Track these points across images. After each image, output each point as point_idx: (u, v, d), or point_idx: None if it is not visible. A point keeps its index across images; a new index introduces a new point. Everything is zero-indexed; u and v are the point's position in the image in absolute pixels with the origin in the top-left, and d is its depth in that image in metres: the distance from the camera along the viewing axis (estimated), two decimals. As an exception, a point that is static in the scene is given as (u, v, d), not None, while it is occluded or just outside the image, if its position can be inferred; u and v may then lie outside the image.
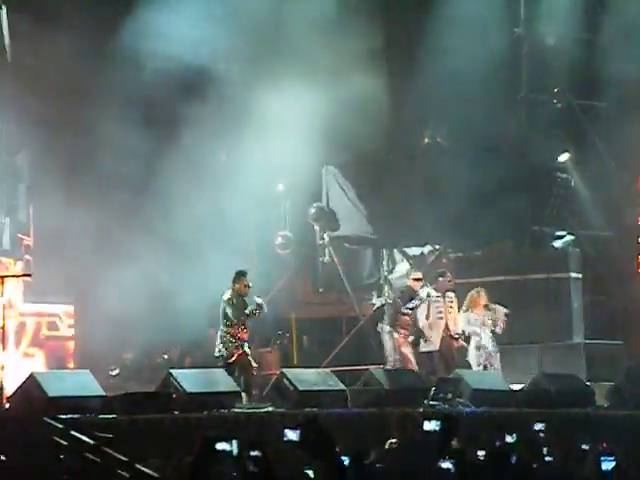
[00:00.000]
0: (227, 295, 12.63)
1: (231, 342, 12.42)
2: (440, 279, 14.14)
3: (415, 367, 13.71)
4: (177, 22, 14.84)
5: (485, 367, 13.85)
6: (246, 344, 12.57)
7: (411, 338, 13.94)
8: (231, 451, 5.71)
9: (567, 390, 12.94)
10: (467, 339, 14.06)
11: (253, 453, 5.76)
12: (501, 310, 13.96)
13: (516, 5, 16.75)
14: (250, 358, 12.53)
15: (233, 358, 12.34)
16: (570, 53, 16.58)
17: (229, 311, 12.52)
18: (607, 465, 8.03)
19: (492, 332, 13.90)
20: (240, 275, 12.66)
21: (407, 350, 13.90)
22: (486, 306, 13.93)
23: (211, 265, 14.79)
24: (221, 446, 5.68)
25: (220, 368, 12.18)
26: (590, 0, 16.70)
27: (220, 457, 5.68)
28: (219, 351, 12.49)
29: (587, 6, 16.69)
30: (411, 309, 13.93)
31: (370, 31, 16.09)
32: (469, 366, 13.83)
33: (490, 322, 13.89)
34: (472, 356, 13.90)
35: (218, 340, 12.54)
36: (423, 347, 13.92)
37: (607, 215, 16.81)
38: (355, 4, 16.31)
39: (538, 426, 10.04)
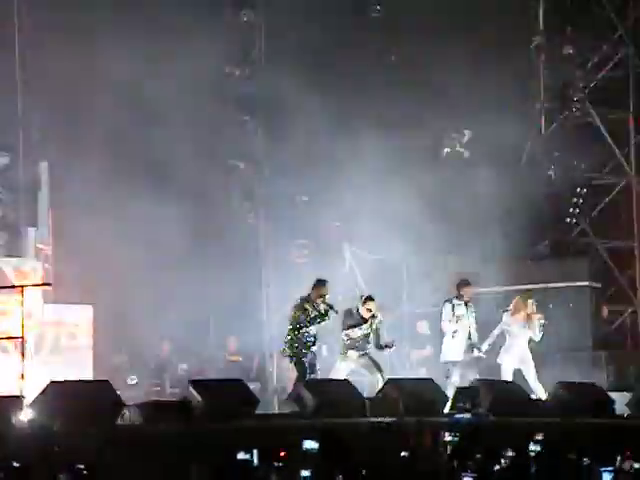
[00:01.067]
0: (299, 300, 12.81)
1: (296, 345, 12.62)
2: (466, 288, 14.07)
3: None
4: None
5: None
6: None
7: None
8: (252, 461, 5.72)
9: (587, 399, 12.88)
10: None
11: (276, 464, 5.76)
12: (538, 318, 13.91)
13: (534, 14, 16.75)
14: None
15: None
16: (589, 63, 16.58)
17: (297, 314, 12.72)
18: (607, 477, 7.98)
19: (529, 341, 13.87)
20: (319, 283, 12.78)
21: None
22: (528, 315, 13.89)
23: (227, 273, 14.85)
24: (242, 456, 5.69)
25: (239, 379, 12.25)
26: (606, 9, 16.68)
27: (241, 467, 5.69)
28: (284, 350, 12.82)
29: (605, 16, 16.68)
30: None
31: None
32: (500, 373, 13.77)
33: (529, 330, 13.84)
34: (505, 359, 13.83)
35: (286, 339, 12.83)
36: (444, 357, 13.90)
37: (625, 225, 16.76)
38: None
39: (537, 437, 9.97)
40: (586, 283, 16.33)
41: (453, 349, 13.81)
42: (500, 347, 13.86)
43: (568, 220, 16.59)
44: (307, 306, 12.78)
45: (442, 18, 16.33)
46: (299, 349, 12.77)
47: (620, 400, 13.30)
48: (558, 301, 16.05)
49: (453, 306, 13.87)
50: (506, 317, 13.91)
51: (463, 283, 14.14)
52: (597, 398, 13.12)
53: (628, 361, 15.72)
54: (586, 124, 16.82)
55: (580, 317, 16.04)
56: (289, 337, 12.81)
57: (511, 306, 13.96)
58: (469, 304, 13.97)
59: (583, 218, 16.64)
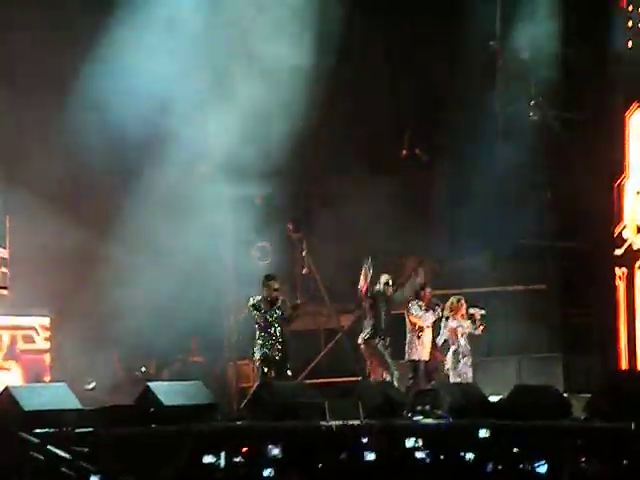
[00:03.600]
0: (251, 301, 12.72)
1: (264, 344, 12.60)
2: (427, 290, 14.20)
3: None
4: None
5: (459, 376, 13.92)
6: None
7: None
8: (219, 464, 5.68)
9: (544, 402, 12.97)
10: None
11: (236, 459, 5.73)
12: (479, 312, 14.07)
13: (491, 19, 16.86)
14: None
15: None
16: (545, 66, 16.72)
17: (256, 316, 12.66)
18: (541, 469, 8.08)
19: (469, 337, 14.02)
20: (267, 279, 12.73)
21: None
22: (464, 316, 14.04)
23: (187, 275, 14.78)
24: (208, 459, 5.66)
25: (198, 380, 12.20)
26: (564, 14, 16.83)
27: (207, 470, 5.66)
28: (253, 353, 12.79)
29: (560, 21, 16.83)
30: None
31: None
32: (447, 376, 13.90)
33: (468, 330, 14.02)
34: (450, 363, 13.98)
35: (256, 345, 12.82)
36: (411, 355, 13.99)
37: (584, 227, 16.91)
38: None
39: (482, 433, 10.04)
40: (544, 286, 16.46)
41: (419, 348, 13.89)
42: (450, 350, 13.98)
43: (527, 223, 16.72)
44: (263, 305, 12.79)
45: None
46: (262, 350, 12.75)
47: (577, 403, 13.41)
48: (516, 304, 16.16)
49: (420, 306, 14.01)
50: (445, 323, 14.04)
51: (421, 286, 14.30)
52: (554, 401, 13.22)
53: (585, 364, 15.85)
54: (543, 126, 16.95)
55: (537, 320, 16.15)
56: (257, 339, 12.80)
57: (445, 311, 14.08)
58: (430, 305, 14.07)
59: (543, 220, 16.77)
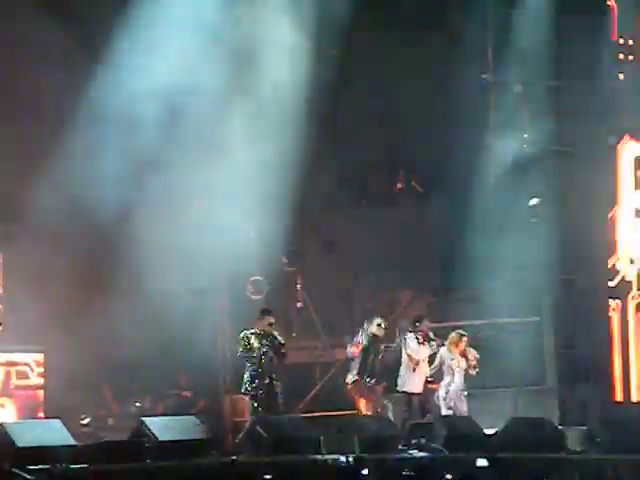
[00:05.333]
0: (242, 335, 12.69)
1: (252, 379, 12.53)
2: (425, 322, 14.23)
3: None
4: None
5: (450, 408, 13.93)
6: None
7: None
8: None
9: (539, 434, 12.95)
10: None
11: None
12: (474, 355, 14.11)
13: (484, 51, 16.97)
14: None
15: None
16: (537, 99, 16.82)
17: (245, 350, 12.61)
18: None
19: (464, 374, 14.03)
20: (262, 313, 12.70)
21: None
22: (464, 352, 14.06)
23: (180, 309, 14.77)
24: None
25: (191, 415, 12.16)
26: (555, 47, 16.96)
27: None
28: (244, 388, 12.68)
29: (553, 54, 16.95)
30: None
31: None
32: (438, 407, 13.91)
33: (464, 365, 14.03)
34: (442, 392, 13.99)
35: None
36: (403, 387, 13.99)
37: (577, 259, 16.94)
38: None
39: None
40: (538, 318, 16.46)
41: (413, 381, 13.88)
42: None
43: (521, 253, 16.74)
44: (253, 340, 12.69)
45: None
46: (253, 384, 12.68)
47: (572, 435, 13.39)
48: (510, 336, 16.16)
49: (417, 339, 14.03)
50: (444, 351, 14.07)
51: (422, 318, 14.34)
52: (549, 433, 13.20)
53: (580, 396, 15.83)
54: (536, 158, 17.02)
55: (532, 352, 16.13)
56: (246, 373, 12.73)
57: (446, 344, 14.10)
58: (427, 339, 14.09)
59: (536, 250, 16.81)
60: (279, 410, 12.70)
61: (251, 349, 12.68)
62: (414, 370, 13.96)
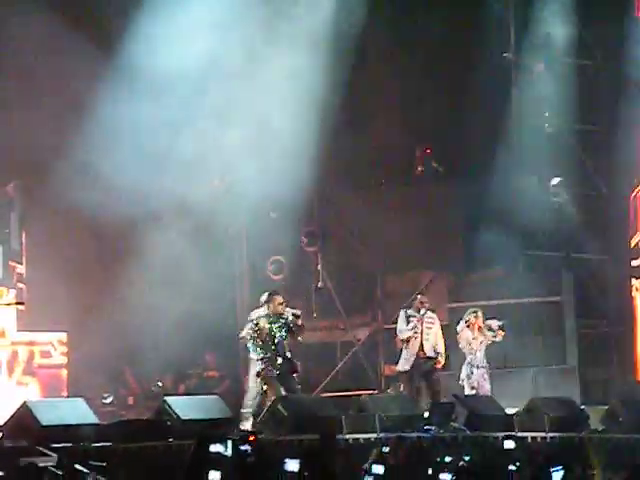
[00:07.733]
0: (254, 315, 12.59)
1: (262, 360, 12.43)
2: (418, 297, 14.18)
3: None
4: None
5: (473, 387, 13.86)
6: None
7: None
8: (225, 453, 5.66)
9: (562, 414, 12.93)
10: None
11: (243, 447, 5.70)
12: (496, 323, 13.99)
13: (506, 31, 16.87)
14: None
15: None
16: (560, 79, 16.71)
17: (256, 332, 12.47)
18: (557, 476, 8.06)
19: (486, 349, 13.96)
20: (270, 294, 12.63)
21: None
22: (481, 328, 13.98)
23: (202, 290, 14.78)
24: (215, 448, 5.63)
25: (215, 395, 12.17)
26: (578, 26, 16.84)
27: (214, 459, 5.64)
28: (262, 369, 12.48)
29: (577, 32, 16.83)
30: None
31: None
32: (461, 387, 13.84)
33: (487, 342, 13.92)
34: (464, 373, 13.90)
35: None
36: (398, 367, 13.95)
37: (599, 238, 16.87)
38: None
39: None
40: (559, 298, 16.42)
41: (403, 359, 13.84)
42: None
43: (541, 234, 16.68)
44: (263, 323, 12.50)
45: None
46: (260, 366, 12.47)
47: (594, 414, 13.37)
48: (531, 316, 16.13)
49: (408, 316, 13.86)
50: (462, 334, 13.95)
51: (417, 293, 14.28)
52: (571, 412, 13.18)
53: (601, 375, 15.79)
54: (558, 137, 16.93)
55: (553, 331, 16.10)
56: (261, 354, 12.54)
57: (462, 324, 14.00)
58: (426, 314, 13.91)
59: (557, 232, 16.73)
60: (295, 389, 12.57)
61: (260, 331, 12.46)
62: (406, 349, 13.80)
